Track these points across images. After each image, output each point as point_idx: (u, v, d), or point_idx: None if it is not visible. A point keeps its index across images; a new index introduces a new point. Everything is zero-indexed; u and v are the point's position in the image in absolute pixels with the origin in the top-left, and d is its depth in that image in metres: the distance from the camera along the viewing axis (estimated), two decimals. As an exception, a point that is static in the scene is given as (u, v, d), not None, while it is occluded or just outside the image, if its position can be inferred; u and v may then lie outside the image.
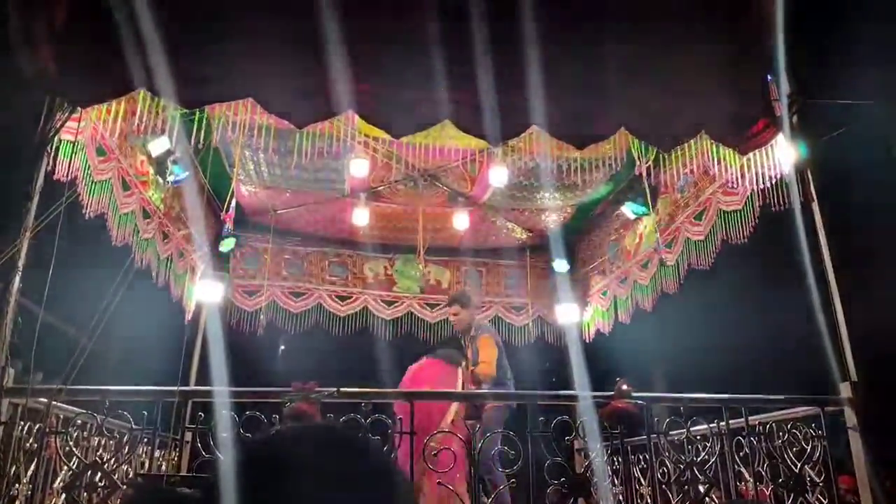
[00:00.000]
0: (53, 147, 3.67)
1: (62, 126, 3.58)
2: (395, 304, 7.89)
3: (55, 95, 3.61)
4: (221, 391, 3.42)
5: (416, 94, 4.05)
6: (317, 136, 4.42)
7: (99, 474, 3.31)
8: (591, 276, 7.72)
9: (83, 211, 4.18)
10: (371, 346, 7.63)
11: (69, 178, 3.81)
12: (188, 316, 6.68)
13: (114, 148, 4.51)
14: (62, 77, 3.59)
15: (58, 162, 3.74)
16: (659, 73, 4.41)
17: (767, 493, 4.13)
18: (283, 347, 11.31)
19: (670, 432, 4.32)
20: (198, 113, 4.38)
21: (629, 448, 5.45)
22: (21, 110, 3.54)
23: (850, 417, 3.93)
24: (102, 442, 3.95)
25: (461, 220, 7.02)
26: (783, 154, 4.41)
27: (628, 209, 6.44)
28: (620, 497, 5.40)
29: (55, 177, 3.67)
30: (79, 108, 3.65)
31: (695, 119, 4.34)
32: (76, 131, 3.74)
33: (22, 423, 3.29)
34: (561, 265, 7.71)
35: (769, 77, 4.58)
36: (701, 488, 3.91)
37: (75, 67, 3.60)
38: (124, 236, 4.88)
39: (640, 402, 3.66)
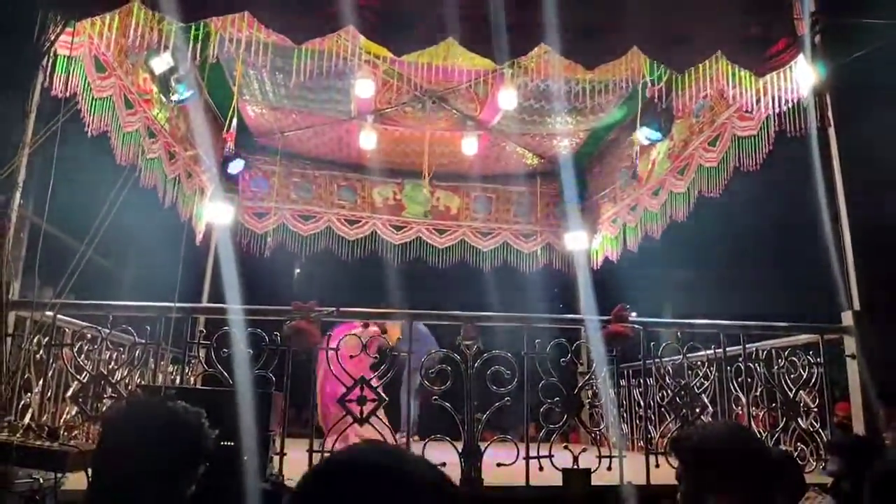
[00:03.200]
0: (49, 63, 3.60)
1: (56, 40, 3.51)
2: (404, 229, 7.89)
3: (48, 8, 3.53)
4: (222, 308, 3.48)
5: (420, 10, 3.91)
6: (317, 53, 4.30)
7: (104, 384, 3.43)
8: (601, 203, 7.63)
9: (85, 129, 4.14)
10: (380, 269, 7.71)
11: (68, 93, 3.75)
12: (199, 237, 6.74)
13: (113, 64, 4.43)
14: (55, -12, 3.49)
15: (55, 78, 3.68)
16: (675, -11, 4.21)
17: (761, 417, 4.21)
18: (298, 270, 11.49)
19: (671, 357, 4.36)
20: (198, 28, 4.27)
21: (630, 372, 5.55)
22: (14, 24, 3.47)
23: (850, 345, 3.94)
24: (113, 355, 4.07)
25: (470, 145, 6.92)
26: (802, 76, 4.24)
27: (642, 134, 6.28)
28: (619, 418, 5.52)
29: (53, 93, 3.62)
30: (73, 22, 3.56)
31: (711, 39, 4.16)
32: (71, 46, 3.66)
33: (31, 335, 3.39)
34: (572, 192, 7.61)
35: (794, -7, 4.36)
36: (696, 410, 3.98)
37: (67, -22, 3.50)
38: (130, 155, 4.85)
39: (636, 326, 3.68)
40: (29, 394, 3.45)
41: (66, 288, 3.15)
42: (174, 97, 5.34)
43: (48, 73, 3.58)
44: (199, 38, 4.17)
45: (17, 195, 3.34)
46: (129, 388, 3.66)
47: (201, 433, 1.54)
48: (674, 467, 1.68)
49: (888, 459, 2.37)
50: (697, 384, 4.28)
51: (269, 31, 3.91)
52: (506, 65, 4.95)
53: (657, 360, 4.11)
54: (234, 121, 5.88)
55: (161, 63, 4.90)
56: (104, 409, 3.36)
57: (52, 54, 3.57)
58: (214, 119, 6.56)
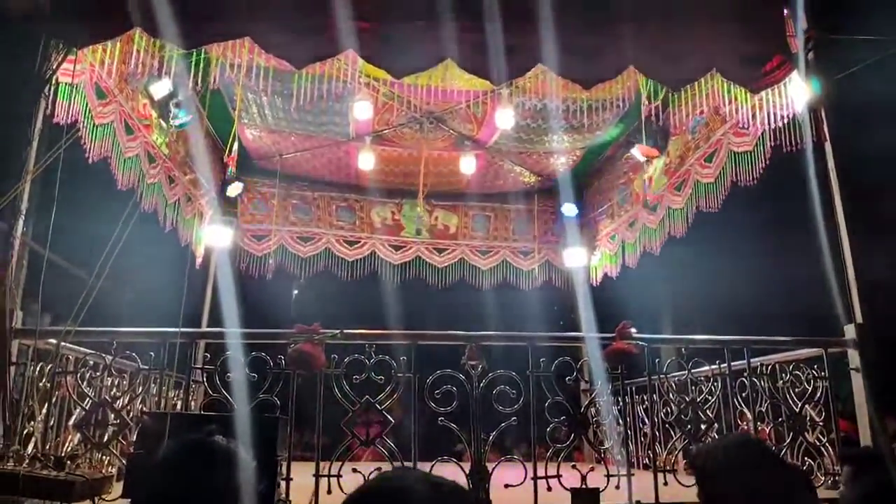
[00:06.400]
0: (52, 90, 3.63)
1: (58, 67, 3.53)
2: (403, 249, 7.89)
3: (51, 36, 3.56)
4: (226, 332, 3.47)
5: (419, 33, 3.95)
6: (317, 77, 4.33)
7: (107, 412, 3.40)
8: (599, 219, 7.66)
9: (86, 155, 4.15)
10: (380, 290, 7.70)
11: (69, 121, 3.76)
12: (198, 261, 6.73)
13: (114, 90, 4.45)
14: (57, 17, 3.53)
15: (57, 105, 3.70)
16: (670, 9, 4.27)
17: (767, 432, 4.19)
18: (296, 292, 11.47)
19: (674, 374, 4.36)
20: (199, 54, 4.30)
21: (633, 389, 5.52)
22: (17, 52, 3.50)
23: (854, 359, 3.93)
24: (116, 382, 4.04)
25: (468, 164, 6.95)
26: (796, 93, 4.29)
27: (638, 151, 6.33)
28: (624, 436, 5.49)
29: (55, 120, 3.63)
30: (75, 50, 3.59)
31: (707, 56, 4.21)
32: (73, 73, 3.68)
33: (34, 364, 3.37)
34: (569, 209, 7.65)
35: (786, 11, 4.42)
36: (702, 427, 3.97)
37: (70, 7, 3.54)
38: (130, 181, 4.87)
39: (640, 343, 3.68)
40: (32, 422, 3.42)
41: (78, 319, 3.14)
42: (173, 122, 5.39)
43: (50, 101, 3.60)
44: (200, 63, 4.20)
45: (21, 222, 3.34)
46: (132, 414, 3.63)
47: (247, 469, 1.50)
48: (682, 485, 1.67)
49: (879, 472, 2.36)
50: (702, 400, 4.26)
51: (269, 56, 3.94)
52: (503, 85, 5.01)
53: (661, 376, 4.10)
54: (235, 144, 5.90)
55: (161, 88, 4.95)
56: (109, 436, 3.33)
57: (54, 82, 3.60)
58: (213, 143, 6.59)
